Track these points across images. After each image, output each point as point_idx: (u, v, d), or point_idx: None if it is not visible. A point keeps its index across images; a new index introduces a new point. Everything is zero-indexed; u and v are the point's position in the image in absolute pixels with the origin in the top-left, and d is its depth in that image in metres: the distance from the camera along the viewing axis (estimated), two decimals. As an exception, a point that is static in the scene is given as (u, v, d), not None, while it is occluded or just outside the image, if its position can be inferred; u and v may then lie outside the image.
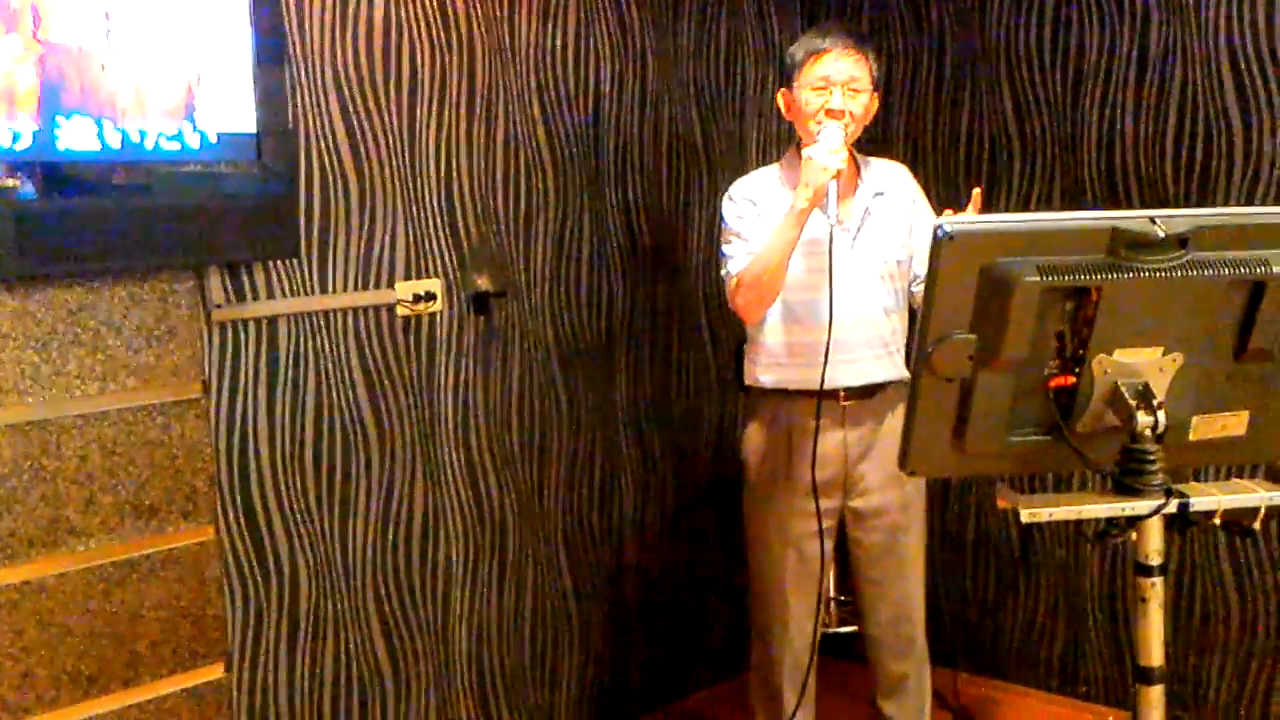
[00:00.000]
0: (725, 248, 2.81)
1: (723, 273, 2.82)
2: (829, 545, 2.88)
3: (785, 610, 2.87)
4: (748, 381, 2.90)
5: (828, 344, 2.66)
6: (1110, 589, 3.35)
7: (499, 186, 3.06)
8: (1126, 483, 1.80)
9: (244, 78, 2.40)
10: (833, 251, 2.63)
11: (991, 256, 1.73)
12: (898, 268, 2.81)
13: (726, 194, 2.86)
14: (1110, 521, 1.81)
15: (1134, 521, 1.80)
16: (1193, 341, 1.80)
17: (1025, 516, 1.79)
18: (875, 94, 2.78)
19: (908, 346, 2.84)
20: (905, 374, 2.82)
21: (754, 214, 2.78)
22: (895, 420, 2.80)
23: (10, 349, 2.22)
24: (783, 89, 2.83)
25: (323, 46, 2.71)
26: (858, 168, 2.82)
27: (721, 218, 2.86)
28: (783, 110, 2.85)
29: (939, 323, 1.76)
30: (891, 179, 2.86)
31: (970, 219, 2.39)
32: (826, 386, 2.72)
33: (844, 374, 2.75)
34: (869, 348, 2.77)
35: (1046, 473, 3.13)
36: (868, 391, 2.79)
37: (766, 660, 2.94)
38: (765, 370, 2.84)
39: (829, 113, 2.69)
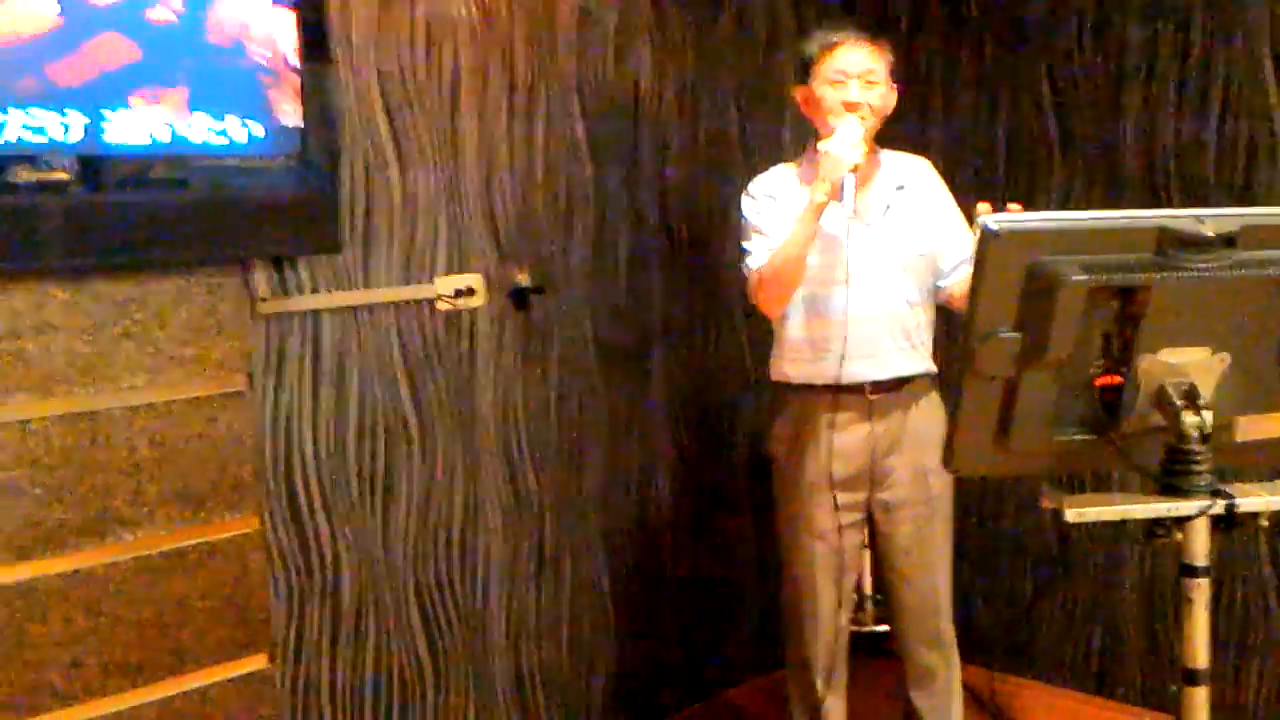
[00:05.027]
0: (745, 244, 2.82)
1: (743, 268, 2.82)
2: (859, 538, 2.90)
3: (816, 603, 2.88)
4: (774, 377, 2.91)
5: (845, 337, 2.66)
6: (1148, 589, 3.34)
7: (538, 182, 3.08)
8: (1172, 483, 1.79)
9: (290, 72, 2.43)
10: (849, 245, 2.63)
11: (1038, 255, 1.72)
12: (921, 261, 2.80)
13: (746, 191, 2.87)
14: (1156, 522, 1.80)
15: (1180, 522, 1.80)
16: (1240, 341, 1.79)
17: (1071, 517, 1.79)
18: (893, 86, 2.78)
19: (938, 339, 2.86)
20: (932, 367, 2.84)
21: (773, 209, 2.78)
22: (921, 413, 2.81)
23: (60, 340, 2.25)
24: (799, 85, 2.83)
25: (367, 41, 2.73)
26: (878, 161, 2.82)
27: (742, 214, 2.86)
28: (800, 107, 2.85)
29: (984, 320, 1.75)
30: (913, 172, 2.86)
31: (1017, 216, 2.38)
32: (851, 381, 2.73)
33: (868, 368, 2.75)
34: (892, 341, 2.77)
35: (1087, 471, 3.12)
36: (894, 385, 2.79)
37: (800, 653, 2.94)
38: (789, 365, 2.85)
39: (846, 105, 2.69)
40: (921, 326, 2.82)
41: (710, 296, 3.52)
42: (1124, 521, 1.86)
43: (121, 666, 2.34)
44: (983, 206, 2.51)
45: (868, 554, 3.39)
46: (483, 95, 2.94)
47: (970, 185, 3.33)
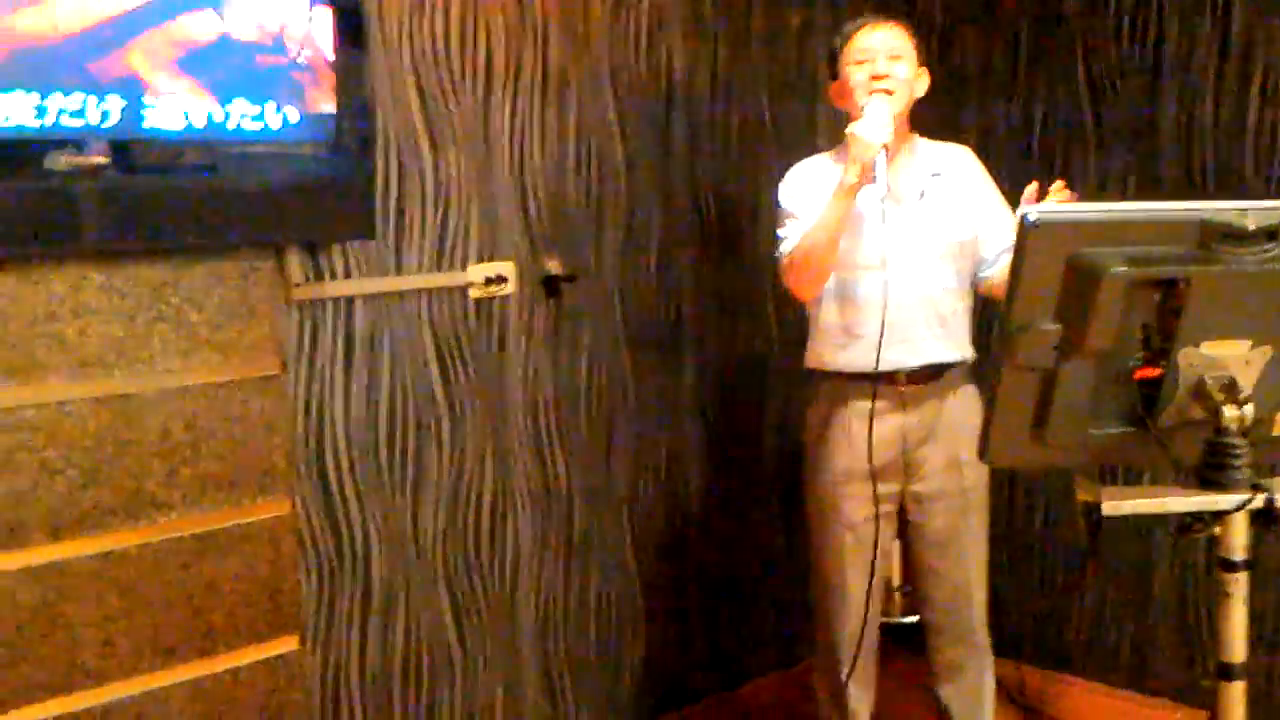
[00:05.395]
0: (779, 230, 2.81)
1: (776, 253, 2.81)
2: (888, 529, 2.88)
3: (844, 593, 2.87)
4: (808, 363, 2.90)
5: (879, 321, 2.64)
6: (1181, 583, 3.32)
7: (570, 170, 3.08)
8: (1211, 477, 1.77)
9: (325, 59, 2.43)
10: (883, 227, 2.62)
11: (1078, 246, 1.71)
12: (959, 249, 2.78)
13: (784, 179, 2.86)
14: (1194, 516, 1.79)
15: (1218, 516, 1.78)
16: (1281, 335, 1.78)
17: (1107, 509, 1.78)
18: (923, 68, 2.76)
19: (976, 333, 2.84)
20: (968, 355, 2.81)
21: (809, 195, 2.77)
22: (957, 402, 2.79)
23: (96, 323, 2.26)
24: (832, 82, 2.82)
25: (401, 29, 2.73)
26: (912, 146, 2.80)
27: (777, 201, 2.85)
28: (834, 101, 2.84)
29: (1022, 311, 1.74)
30: (951, 160, 2.84)
31: (1058, 207, 2.37)
32: (884, 369, 2.70)
33: (901, 355, 2.73)
34: (927, 328, 2.75)
35: (1124, 465, 3.10)
36: (928, 374, 2.77)
37: (827, 643, 2.94)
38: (822, 352, 2.83)
39: (874, 78, 2.68)
40: (958, 314, 2.80)
41: (742, 284, 3.51)
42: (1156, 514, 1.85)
43: (153, 647, 2.35)
44: (1031, 189, 2.49)
45: (897, 544, 3.37)
46: (516, 83, 2.94)
47: (1005, 174, 3.30)
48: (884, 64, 2.69)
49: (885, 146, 2.59)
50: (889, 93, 2.67)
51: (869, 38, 2.72)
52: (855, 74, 2.71)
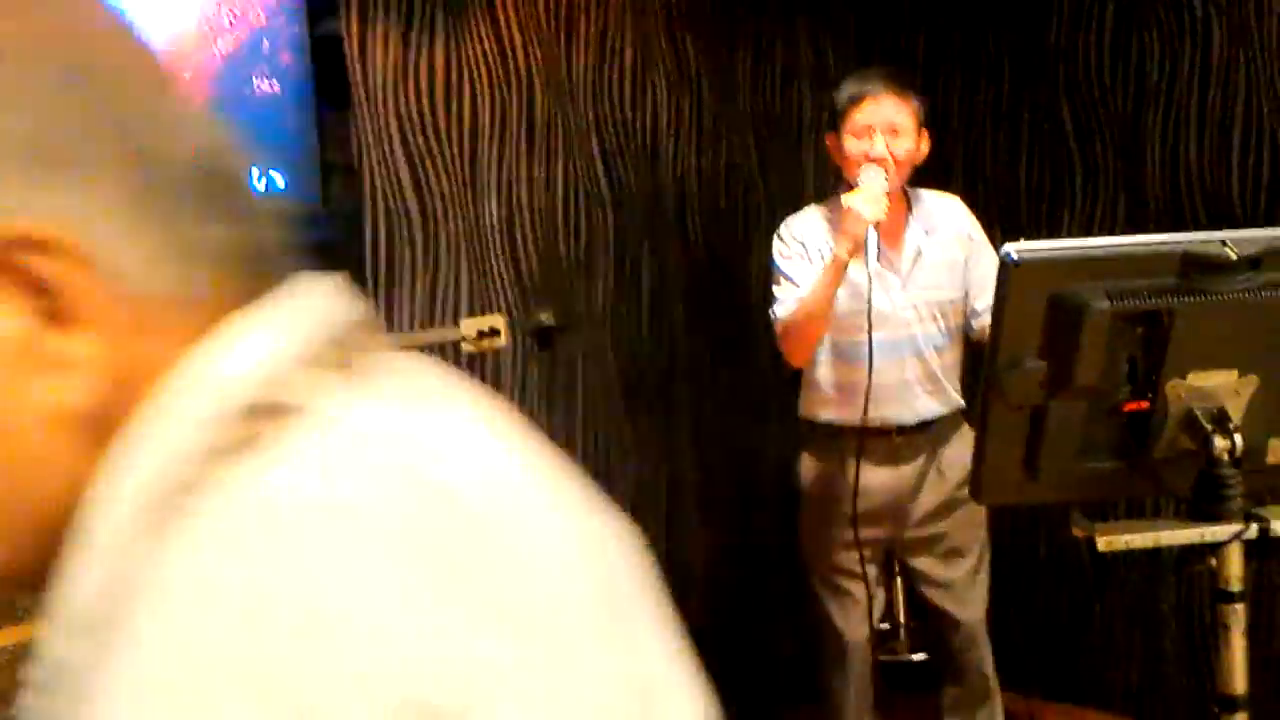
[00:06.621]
0: (774, 289, 2.81)
1: (770, 314, 2.81)
2: (883, 573, 2.93)
3: (844, 638, 2.89)
4: (802, 414, 2.91)
5: (868, 388, 2.65)
6: (1188, 613, 3.30)
7: (560, 221, 3.09)
8: (1205, 508, 1.77)
9: (311, 121, 2.45)
10: (875, 294, 2.63)
11: (1060, 283, 1.72)
12: (950, 306, 2.79)
13: (777, 233, 2.86)
14: (1191, 550, 1.78)
15: (1213, 548, 1.78)
16: (1268, 363, 1.78)
17: (1102, 545, 1.78)
18: (924, 132, 2.75)
19: (965, 377, 2.85)
20: (959, 403, 2.83)
21: (801, 255, 2.77)
22: (949, 449, 2.82)
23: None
24: (829, 133, 2.82)
25: (385, 87, 2.75)
26: (909, 206, 2.80)
27: (772, 259, 2.85)
28: (831, 153, 2.84)
29: (1008, 350, 1.75)
30: (944, 215, 2.84)
31: (1038, 245, 2.37)
32: (877, 425, 2.73)
33: (895, 412, 2.76)
34: (919, 385, 2.78)
35: (1119, 499, 3.09)
36: (920, 427, 2.79)
37: (830, 688, 2.95)
38: (817, 406, 2.85)
39: (870, 159, 2.67)
40: (949, 367, 2.81)
41: (733, 331, 3.52)
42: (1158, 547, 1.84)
43: None
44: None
45: (899, 582, 3.36)
46: (502, 137, 2.96)
47: (991, 215, 3.32)
48: (882, 144, 2.67)
49: (877, 223, 2.58)
50: (885, 169, 2.66)
51: (872, 112, 2.69)
52: (853, 146, 2.70)
